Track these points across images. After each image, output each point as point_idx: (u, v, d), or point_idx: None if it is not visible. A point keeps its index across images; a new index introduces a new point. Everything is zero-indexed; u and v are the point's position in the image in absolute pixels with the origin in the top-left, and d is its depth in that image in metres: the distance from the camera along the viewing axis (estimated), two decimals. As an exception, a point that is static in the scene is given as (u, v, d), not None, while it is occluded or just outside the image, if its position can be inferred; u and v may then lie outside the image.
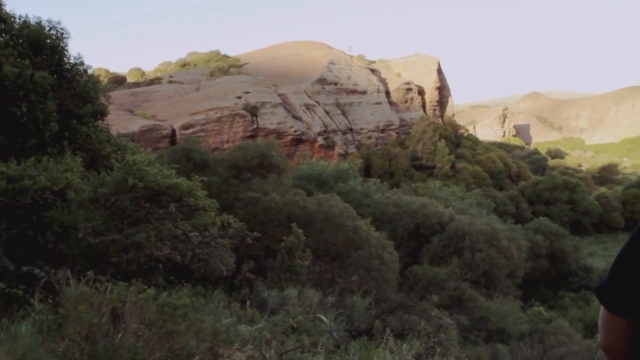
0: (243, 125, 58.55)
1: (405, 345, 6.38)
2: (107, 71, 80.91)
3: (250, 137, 52.57)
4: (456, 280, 21.53)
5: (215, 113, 57.63)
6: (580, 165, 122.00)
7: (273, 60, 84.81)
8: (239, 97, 60.88)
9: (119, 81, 76.87)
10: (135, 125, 50.86)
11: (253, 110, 59.77)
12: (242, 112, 58.93)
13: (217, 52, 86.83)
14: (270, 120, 60.89)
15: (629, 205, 62.45)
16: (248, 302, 8.24)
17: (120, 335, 4.28)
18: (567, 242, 36.49)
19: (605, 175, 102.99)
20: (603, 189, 74.29)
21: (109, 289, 4.68)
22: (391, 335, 6.59)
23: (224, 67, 77.88)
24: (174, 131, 53.13)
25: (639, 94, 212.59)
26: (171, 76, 75.40)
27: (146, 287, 5.09)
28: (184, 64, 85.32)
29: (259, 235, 9.79)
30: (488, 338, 16.48)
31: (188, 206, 7.70)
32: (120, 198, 7.27)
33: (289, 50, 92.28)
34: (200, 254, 7.88)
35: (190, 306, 5.00)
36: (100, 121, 11.38)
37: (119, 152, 10.54)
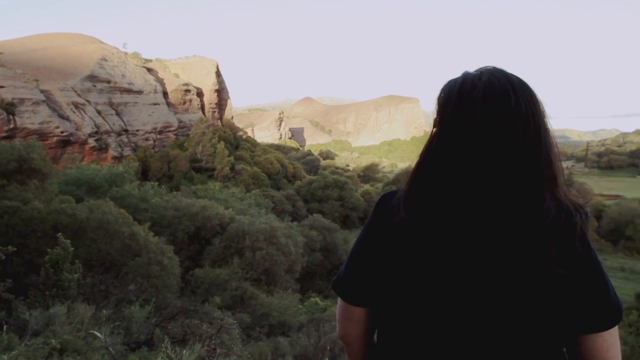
0: (-3, 125, 51.48)
1: (185, 351, 6.26)
2: None
3: (6, 138, 46.18)
4: (238, 280, 21.79)
5: (-40, 110, 49.60)
6: (347, 165, 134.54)
7: (34, 52, 75.86)
8: (-9, 93, 53.27)
9: None
10: None
11: (9, 108, 52.69)
12: (-5, 109, 51.71)
13: (-39, 40, 74.30)
14: (31, 119, 54.38)
15: (387, 199, 70.44)
16: (5, 327, 7.25)
17: None
18: (338, 236, 39.73)
19: (369, 173, 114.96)
20: (367, 186, 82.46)
21: None
22: (170, 342, 6.40)
23: (-30, 57, 67.22)
24: None
25: (393, 102, 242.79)
26: None
27: None
28: None
29: (15, 249, 8.69)
30: (270, 333, 17.02)
31: None
32: None
33: (54, 43, 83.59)
34: (-62, 276, 6.68)
35: None
36: None
37: None
